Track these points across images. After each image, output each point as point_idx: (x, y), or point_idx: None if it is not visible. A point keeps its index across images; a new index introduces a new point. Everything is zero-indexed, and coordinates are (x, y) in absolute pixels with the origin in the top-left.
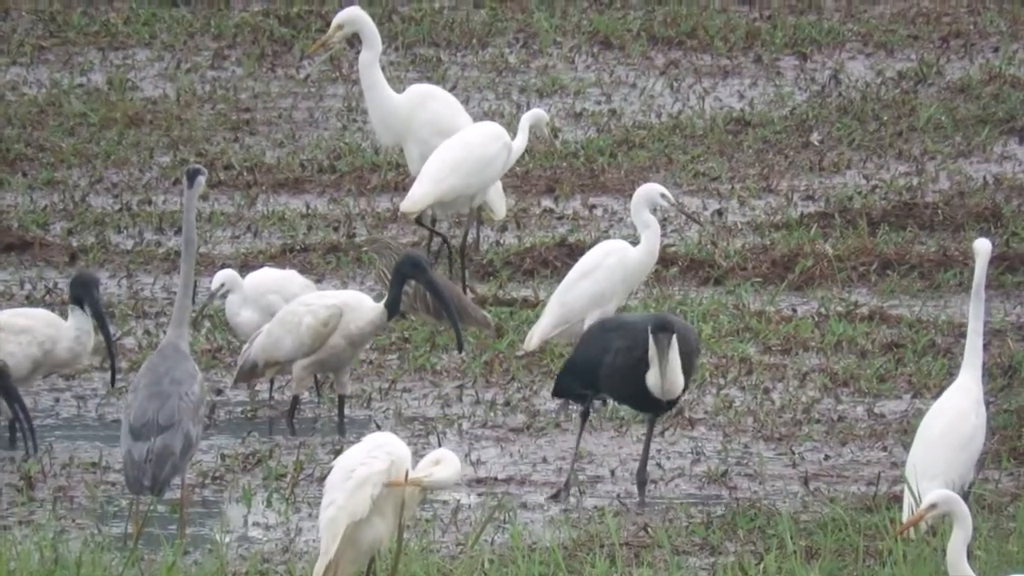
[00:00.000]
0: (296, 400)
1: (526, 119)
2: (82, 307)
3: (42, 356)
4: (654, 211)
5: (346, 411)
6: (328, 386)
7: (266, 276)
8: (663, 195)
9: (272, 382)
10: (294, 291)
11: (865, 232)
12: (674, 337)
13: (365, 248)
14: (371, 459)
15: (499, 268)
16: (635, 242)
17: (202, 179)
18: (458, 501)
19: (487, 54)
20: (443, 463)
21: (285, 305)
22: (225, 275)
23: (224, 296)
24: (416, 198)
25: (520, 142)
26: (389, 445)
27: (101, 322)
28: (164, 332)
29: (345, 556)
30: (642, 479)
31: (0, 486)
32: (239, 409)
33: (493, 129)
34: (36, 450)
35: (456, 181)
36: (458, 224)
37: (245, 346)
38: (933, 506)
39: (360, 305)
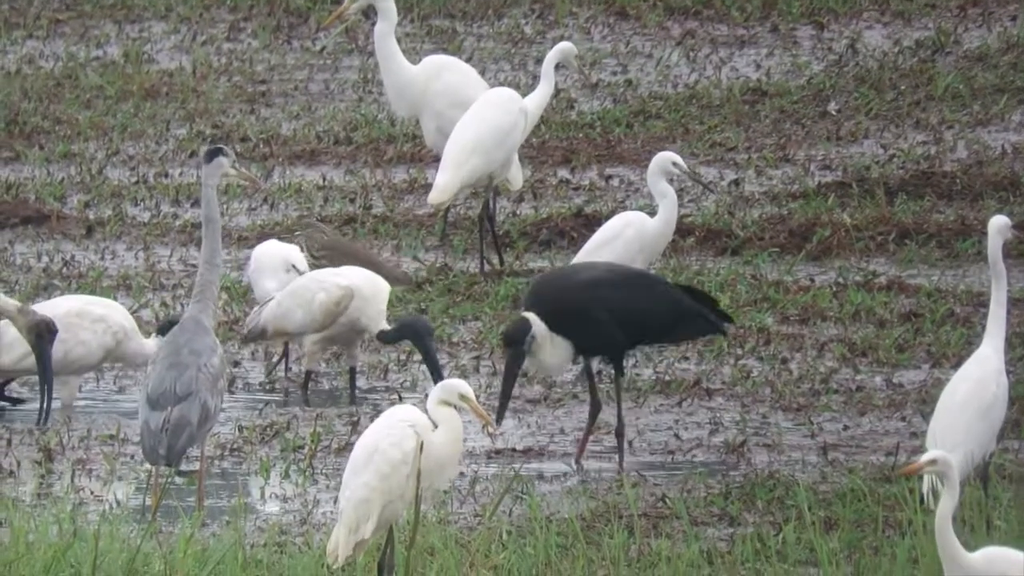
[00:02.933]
0: (309, 375)
1: (551, 58)
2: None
3: (114, 346)
4: (670, 180)
5: (364, 383)
6: (341, 358)
7: (275, 245)
8: (675, 163)
9: (286, 357)
10: (299, 262)
11: (883, 201)
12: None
13: (296, 231)
14: (402, 437)
15: (516, 239)
16: (652, 213)
17: (223, 160)
18: (475, 472)
19: (503, 25)
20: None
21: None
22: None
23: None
24: (442, 187)
25: (544, 90)
26: (411, 419)
27: None
28: (181, 304)
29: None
30: (620, 431)
31: (19, 459)
32: (256, 381)
33: (504, 96)
34: (47, 420)
35: (478, 161)
36: (475, 195)
37: (255, 309)
38: (933, 462)
39: (375, 296)
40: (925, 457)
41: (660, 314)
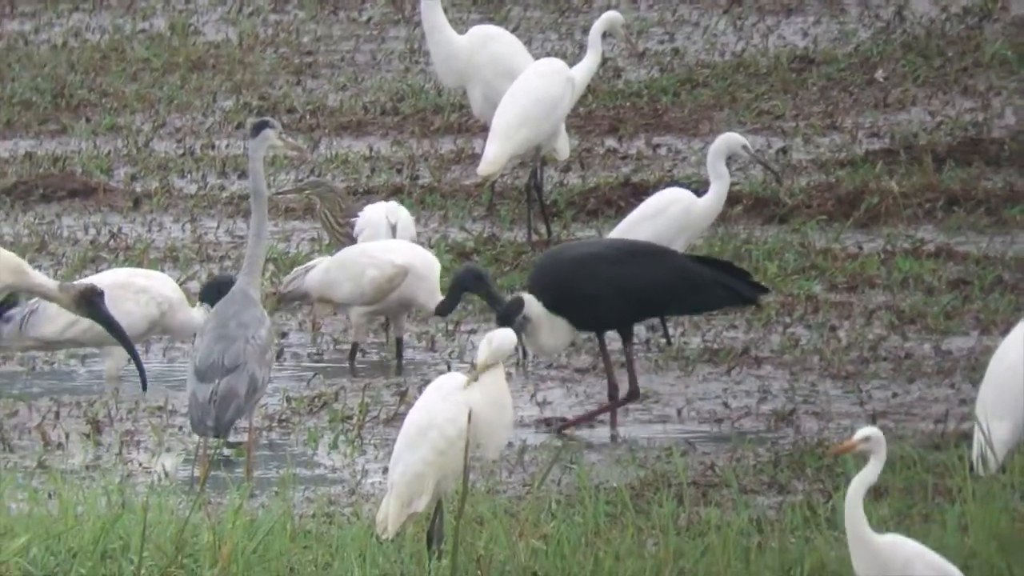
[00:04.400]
0: (356, 346)
1: (597, 27)
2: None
3: (159, 316)
4: (728, 161)
5: (412, 353)
6: (388, 328)
7: (383, 205)
8: (744, 147)
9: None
10: (406, 223)
11: (931, 168)
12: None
13: (307, 191)
14: (458, 412)
15: (563, 208)
16: (699, 183)
17: (270, 132)
18: (524, 442)
19: None
20: (494, 338)
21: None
22: (363, 222)
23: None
24: (491, 159)
25: (591, 59)
26: (461, 390)
27: None
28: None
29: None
30: (633, 389)
31: (67, 431)
32: (304, 352)
33: (552, 66)
34: (146, 385)
35: (527, 132)
36: (523, 166)
37: (297, 270)
38: (866, 439)
39: (429, 273)
40: (857, 435)
41: (664, 287)
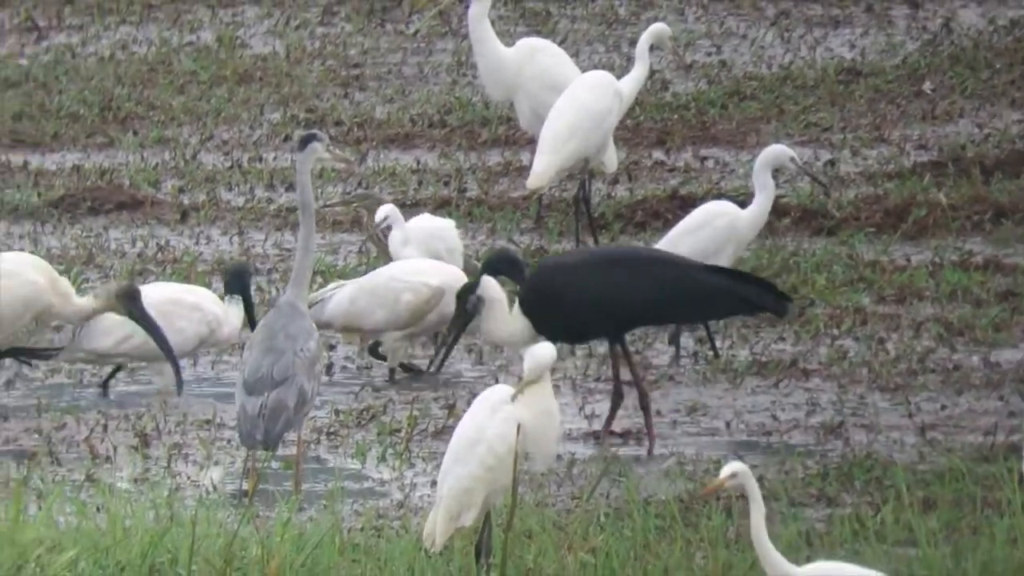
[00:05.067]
0: (394, 372)
1: (645, 40)
2: (240, 295)
3: (208, 334)
4: (775, 174)
5: (460, 366)
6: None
7: (430, 221)
8: (792, 159)
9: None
10: (453, 243)
11: (979, 180)
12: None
13: (355, 204)
14: (508, 429)
15: (610, 221)
16: (747, 195)
17: (318, 145)
18: (572, 455)
19: (597, 6)
20: (536, 351)
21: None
22: (387, 209)
23: (387, 229)
24: (540, 171)
25: (639, 72)
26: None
27: (249, 311)
28: (276, 289)
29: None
30: (644, 404)
31: (115, 444)
32: (353, 364)
33: (599, 79)
34: (182, 388)
35: (576, 145)
36: (571, 178)
37: (316, 297)
38: (733, 475)
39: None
40: (724, 472)
41: (657, 297)
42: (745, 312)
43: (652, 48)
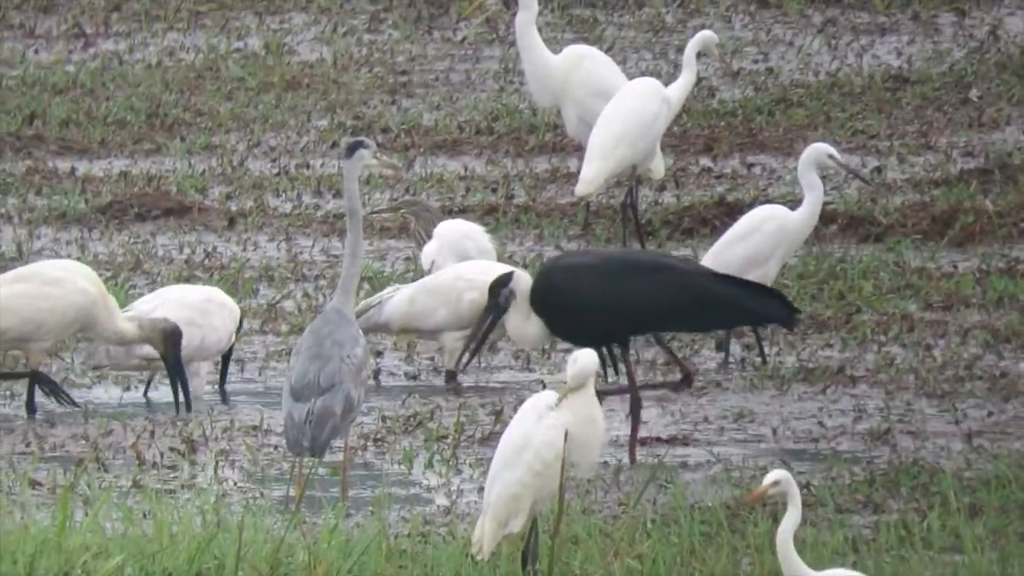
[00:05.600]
0: (453, 375)
1: (692, 47)
2: None
3: (234, 332)
4: (822, 173)
5: (507, 372)
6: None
7: (460, 224)
8: (831, 156)
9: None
10: (484, 244)
11: None
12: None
13: (402, 210)
14: (556, 436)
15: (657, 227)
16: (794, 202)
17: (365, 152)
18: (619, 461)
19: (644, 14)
20: (578, 359)
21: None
22: (433, 252)
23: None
24: (589, 178)
25: (686, 78)
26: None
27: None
28: (323, 295)
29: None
30: (635, 411)
31: (162, 450)
32: (400, 371)
33: (647, 86)
34: (191, 407)
35: (624, 151)
36: (618, 185)
37: (368, 301)
38: (776, 483)
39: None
40: (767, 480)
41: (665, 303)
42: (752, 322)
43: (699, 55)
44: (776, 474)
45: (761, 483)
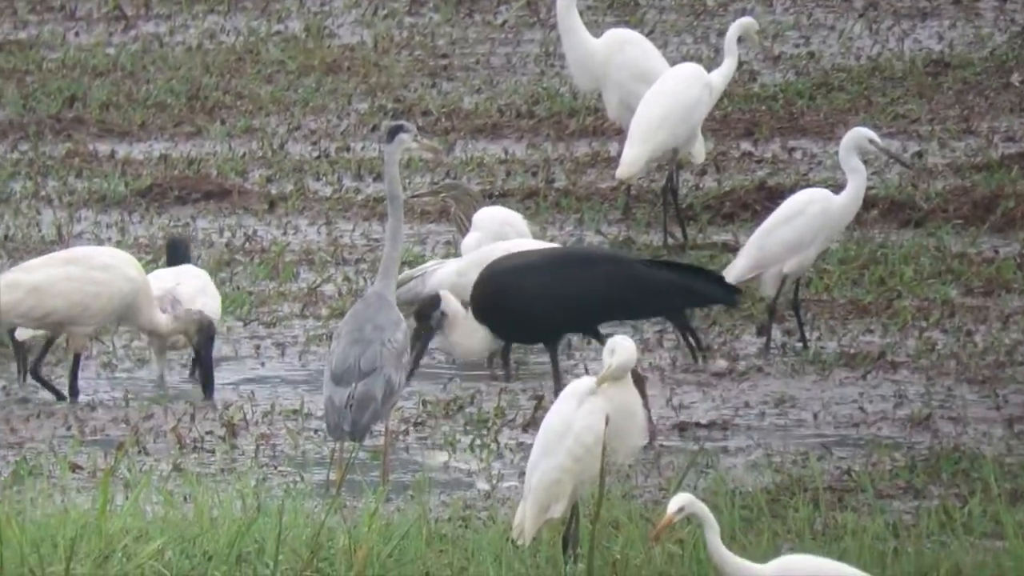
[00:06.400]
0: (495, 354)
1: (733, 32)
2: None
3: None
4: (863, 157)
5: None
6: None
7: (497, 209)
8: (871, 140)
9: None
10: (524, 230)
11: None
12: None
13: (443, 194)
14: (596, 420)
15: (698, 212)
16: (834, 187)
17: (405, 136)
18: (660, 446)
19: None
20: (617, 349)
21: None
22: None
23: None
24: (630, 161)
25: (728, 65)
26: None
27: None
28: (364, 279)
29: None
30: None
31: (202, 434)
32: (439, 356)
33: (690, 71)
34: (211, 394)
35: (665, 135)
36: (659, 169)
37: (410, 273)
38: (680, 509)
39: None
40: (671, 509)
41: (606, 294)
42: (697, 304)
43: (740, 40)
44: (678, 500)
45: (666, 514)
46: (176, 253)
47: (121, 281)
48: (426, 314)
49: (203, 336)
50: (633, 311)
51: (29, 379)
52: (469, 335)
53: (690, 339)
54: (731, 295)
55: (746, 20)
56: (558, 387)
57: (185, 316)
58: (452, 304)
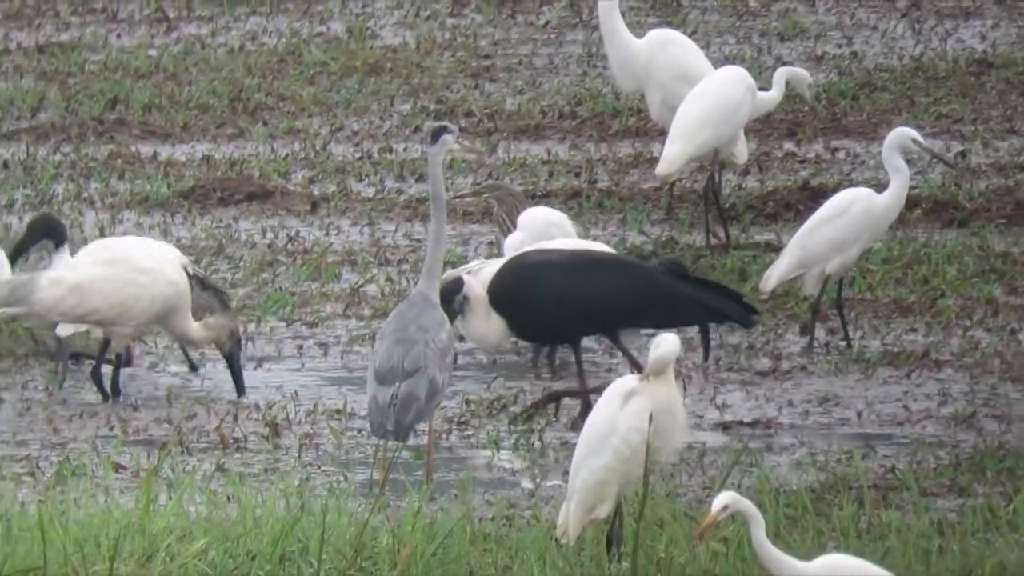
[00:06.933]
0: (540, 350)
1: (781, 74)
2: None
3: None
4: (907, 157)
5: (591, 355)
6: None
7: (542, 210)
8: (914, 139)
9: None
10: (568, 231)
11: None
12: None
13: (486, 195)
14: (642, 420)
15: (741, 212)
16: (878, 187)
17: (449, 137)
18: (704, 445)
19: None
20: (660, 342)
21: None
22: (517, 241)
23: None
24: (671, 159)
25: (774, 94)
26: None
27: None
28: (406, 280)
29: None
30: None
31: (246, 434)
32: (481, 355)
33: (734, 73)
34: (243, 393)
35: (707, 135)
36: (701, 169)
37: (452, 273)
38: (724, 507)
39: None
40: (715, 507)
41: (624, 301)
42: (713, 320)
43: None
44: (722, 498)
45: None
46: (41, 233)
47: (163, 284)
48: (449, 298)
49: (236, 342)
50: (647, 321)
51: (68, 380)
52: (486, 323)
53: (705, 339)
54: (748, 315)
55: (799, 71)
56: (581, 387)
57: (216, 324)
58: (475, 290)
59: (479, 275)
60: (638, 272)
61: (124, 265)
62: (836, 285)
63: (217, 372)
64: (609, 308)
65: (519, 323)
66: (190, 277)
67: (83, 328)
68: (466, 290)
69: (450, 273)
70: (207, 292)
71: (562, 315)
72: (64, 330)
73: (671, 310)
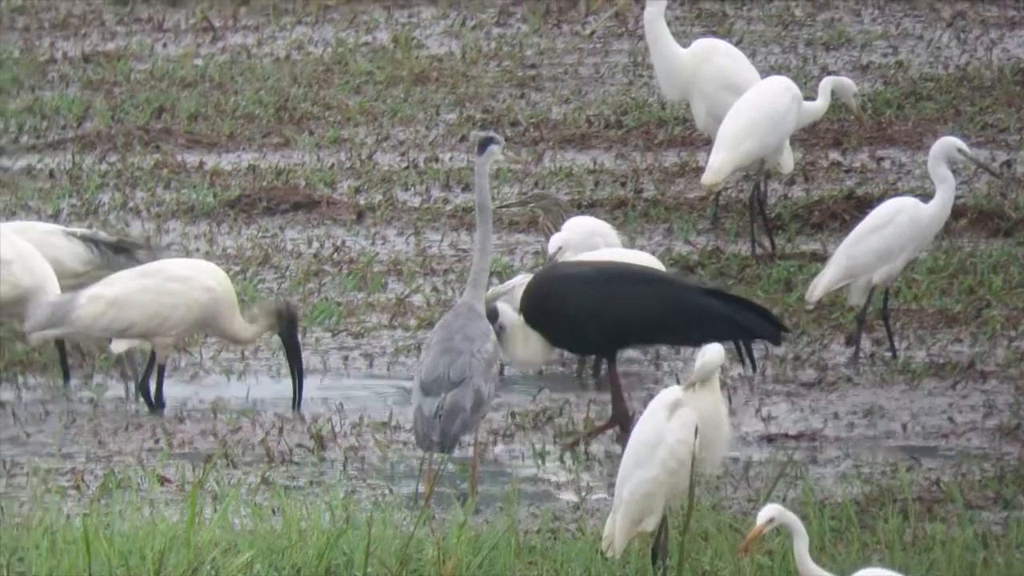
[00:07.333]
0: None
1: (826, 83)
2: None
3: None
4: (952, 168)
5: (637, 366)
6: None
7: (587, 220)
8: (960, 149)
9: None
10: (613, 240)
11: None
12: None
13: (532, 204)
14: (689, 433)
15: (787, 221)
16: (923, 196)
17: (495, 147)
18: (749, 457)
19: (773, 7)
20: (706, 351)
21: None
22: (561, 239)
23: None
24: (717, 167)
25: (820, 104)
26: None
27: None
28: (452, 290)
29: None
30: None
31: (291, 446)
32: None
33: (780, 83)
34: (300, 404)
35: (753, 144)
36: (747, 179)
37: (504, 288)
38: (770, 520)
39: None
40: (761, 519)
41: (646, 316)
42: (740, 337)
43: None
44: (767, 511)
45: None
46: None
47: (198, 291)
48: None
49: (290, 322)
50: (676, 337)
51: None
52: (525, 346)
53: (748, 352)
54: (778, 333)
55: (845, 81)
56: (616, 400)
57: (262, 312)
58: (509, 315)
59: (512, 297)
60: (668, 286)
61: (158, 275)
62: (881, 295)
63: (262, 384)
64: (637, 322)
65: (554, 334)
66: (87, 241)
67: (135, 343)
68: (501, 319)
69: (494, 291)
70: (122, 254)
71: (587, 327)
72: (118, 346)
73: (698, 326)
